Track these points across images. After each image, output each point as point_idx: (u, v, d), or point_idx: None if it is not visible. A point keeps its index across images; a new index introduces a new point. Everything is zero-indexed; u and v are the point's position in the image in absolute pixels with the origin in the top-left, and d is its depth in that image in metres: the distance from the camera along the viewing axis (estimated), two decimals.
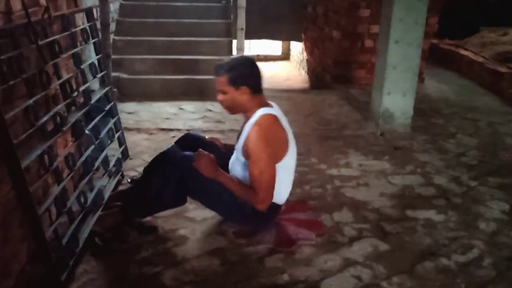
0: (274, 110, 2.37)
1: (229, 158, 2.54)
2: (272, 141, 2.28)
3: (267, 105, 2.37)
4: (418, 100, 4.26)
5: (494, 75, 5.84)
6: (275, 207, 2.43)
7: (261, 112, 2.31)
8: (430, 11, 4.38)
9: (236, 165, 2.43)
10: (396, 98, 4.10)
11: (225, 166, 2.47)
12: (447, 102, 5.32)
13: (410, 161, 3.56)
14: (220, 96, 2.33)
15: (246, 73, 2.30)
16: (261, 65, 2.39)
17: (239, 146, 2.37)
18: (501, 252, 2.41)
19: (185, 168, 2.31)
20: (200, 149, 2.35)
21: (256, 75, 2.34)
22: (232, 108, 2.37)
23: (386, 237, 2.50)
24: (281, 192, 2.41)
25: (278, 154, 2.33)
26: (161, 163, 2.44)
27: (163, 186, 2.32)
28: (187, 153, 2.38)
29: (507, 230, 2.63)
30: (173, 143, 2.67)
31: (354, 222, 2.63)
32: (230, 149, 2.60)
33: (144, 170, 2.65)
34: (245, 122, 2.38)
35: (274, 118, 2.33)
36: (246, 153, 2.30)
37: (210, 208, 2.49)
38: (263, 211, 2.35)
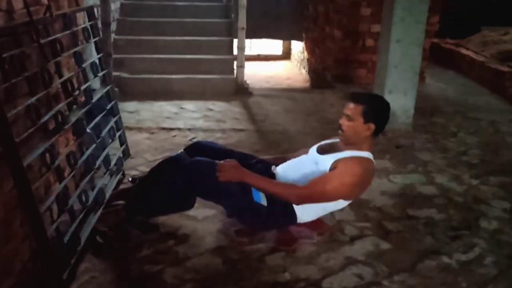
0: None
1: (240, 158, 2.54)
2: (360, 185, 2.31)
3: (371, 152, 2.37)
4: (419, 99, 4.26)
5: (495, 74, 5.84)
6: (293, 221, 2.39)
7: (370, 156, 2.34)
8: (431, 10, 4.37)
9: (306, 167, 2.39)
10: (397, 97, 4.09)
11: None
12: (448, 101, 5.32)
13: (411, 160, 3.56)
14: (345, 122, 2.31)
15: (381, 112, 2.33)
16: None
17: (327, 157, 2.33)
18: (503, 251, 2.41)
19: (196, 171, 2.29)
20: (218, 161, 2.31)
21: (386, 119, 2.36)
22: (349, 136, 2.33)
23: (388, 236, 2.50)
24: (309, 215, 2.40)
25: (350, 195, 2.34)
26: (171, 167, 2.42)
27: (173, 191, 2.31)
28: (198, 158, 2.36)
29: (509, 228, 2.63)
30: (182, 150, 2.66)
31: (356, 221, 2.63)
32: (274, 162, 2.60)
33: (150, 171, 2.62)
34: (345, 145, 2.36)
35: (374, 169, 2.37)
36: (333, 167, 2.28)
37: (225, 207, 2.46)
38: (277, 217, 2.34)
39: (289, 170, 2.46)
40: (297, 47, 8.34)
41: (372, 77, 4.68)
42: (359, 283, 2.11)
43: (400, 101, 4.11)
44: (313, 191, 2.27)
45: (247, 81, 5.50)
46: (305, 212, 2.36)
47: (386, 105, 2.38)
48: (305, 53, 7.58)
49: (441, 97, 5.48)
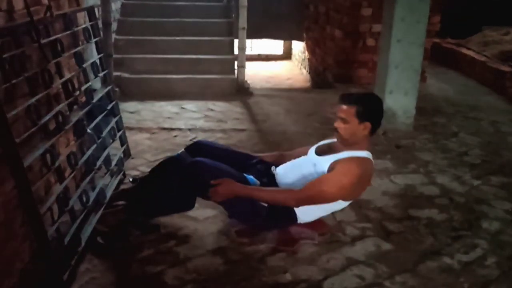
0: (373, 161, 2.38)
1: (240, 159, 2.55)
2: (359, 185, 2.30)
3: (369, 150, 2.37)
4: (420, 99, 4.25)
5: (496, 74, 5.83)
6: (293, 221, 2.40)
7: (368, 155, 2.33)
8: (432, 10, 4.36)
9: (304, 169, 2.38)
10: (398, 97, 4.09)
11: (239, 168, 2.46)
12: (449, 101, 5.30)
13: (412, 160, 3.55)
14: (341, 124, 2.29)
15: (375, 111, 2.32)
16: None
17: (325, 158, 2.33)
18: (504, 251, 2.40)
19: (197, 171, 2.29)
20: (212, 182, 2.28)
21: (381, 115, 2.35)
22: (345, 138, 2.32)
23: (389, 237, 2.49)
24: (310, 215, 2.40)
25: (349, 195, 2.34)
26: (171, 168, 2.43)
27: (173, 190, 2.32)
28: (198, 158, 2.36)
29: (510, 229, 2.62)
30: (183, 150, 2.65)
31: (357, 221, 2.62)
32: (273, 163, 2.59)
33: (151, 171, 2.62)
34: (343, 145, 2.35)
35: (373, 168, 2.36)
36: (330, 168, 2.28)
37: (225, 208, 2.46)
38: (277, 217, 2.34)
39: (289, 171, 2.45)
40: (298, 47, 8.34)
41: (373, 77, 4.67)
42: (360, 284, 2.11)
43: (401, 101, 4.11)
44: (310, 193, 2.27)
45: (248, 81, 5.50)
46: (306, 213, 2.36)
47: (378, 102, 2.36)
48: (306, 53, 7.59)
49: (442, 97, 5.47)
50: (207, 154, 2.47)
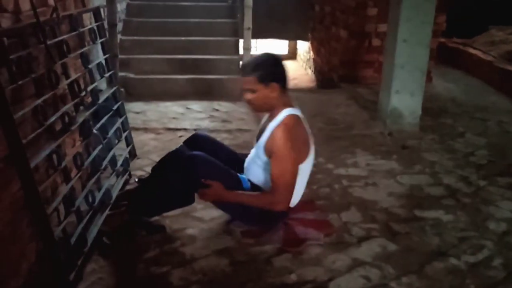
0: (298, 111, 2.37)
1: (235, 158, 2.55)
2: (297, 141, 2.28)
3: (291, 105, 2.37)
4: (426, 100, 4.23)
5: (503, 74, 5.79)
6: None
7: (287, 111, 2.31)
8: (438, 10, 4.35)
9: (253, 164, 2.42)
10: (404, 98, 4.07)
11: (233, 167, 2.47)
12: (455, 101, 5.28)
13: (418, 160, 3.54)
14: (249, 95, 2.30)
15: (274, 70, 2.30)
16: (282, 60, 2.38)
17: (260, 143, 2.35)
18: (511, 253, 2.39)
19: (193, 166, 2.30)
20: (203, 180, 2.31)
21: (283, 70, 2.33)
22: (260, 107, 2.35)
23: (395, 237, 2.48)
24: (294, 195, 2.40)
25: (301, 155, 2.33)
26: (169, 162, 2.44)
27: (170, 185, 2.32)
28: (195, 152, 2.37)
29: None
30: (182, 143, 2.67)
31: (362, 222, 2.62)
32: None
33: (152, 170, 2.65)
34: (269, 120, 2.37)
35: (299, 119, 2.34)
36: (269, 151, 2.29)
37: (218, 206, 2.48)
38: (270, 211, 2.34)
39: (249, 165, 2.47)
40: (303, 47, 8.34)
41: (379, 77, 4.66)
42: (366, 285, 2.10)
43: (407, 101, 4.09)
44: (279, 185, 2.26)
45: None
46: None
47: (274, 60, 2.33)
48: (311, 53, 7.58)
49: (448, 97, 5.44)
50: (205, 147, 2.49)
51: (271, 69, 2.29)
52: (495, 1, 7.58)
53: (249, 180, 2.44)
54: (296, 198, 2.43)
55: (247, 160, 2.50)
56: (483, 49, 6.74)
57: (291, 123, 2.27)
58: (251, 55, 2.48)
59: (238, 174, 2.45)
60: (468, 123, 4.49)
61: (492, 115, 4.77)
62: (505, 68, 5.78)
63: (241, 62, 5.43)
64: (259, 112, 2.42)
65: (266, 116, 2.48)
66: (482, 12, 7.70)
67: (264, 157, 2.34)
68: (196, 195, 2.40)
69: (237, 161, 2.56)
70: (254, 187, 2.42)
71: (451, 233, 2.54)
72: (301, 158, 2.33)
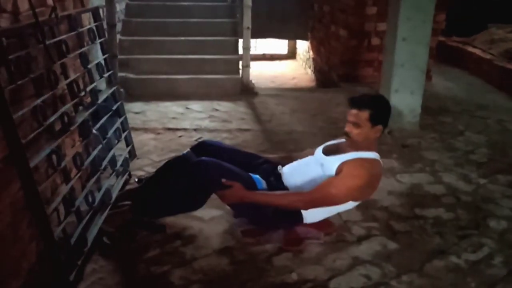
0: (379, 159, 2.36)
1: (245, 159, 2.54)
2: (368, 187, 2.29)
3: (376, 151, 2.36)
4: (426, 98, 4.23)
5: (502, 72, 5.79)
6: (299, 220, 2.38)
7: (376, 156, 2.31)
8: (437, 8, 4.34)
9: (311, 169, 2.37)
10: (404, 96, 4.07)
11: (248, 170, 2.46)
12: (455, 100, 5.28)
13: (418, 159, 3.54)
14: (353, 129, 2.26)
15: (386, 113, 2.31)
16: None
17: (336, 159, 2.30)
18: None
19: (201, 171, 2.29)
20: (223, 181, 2.28)
21: (390, 116, 2.34)
22: (358, 143, 2.29)
23: (395, 236, 2.48)
24: (316, 216, 2.39)
25: (358, 197, 2.33)
26: (177, 167, 2.43)
27: (179, 190, 2.32)
28: (204, 158, 2.35)
29: None
30: (189, 149, 2.64)
31: (363, 221, 2.62)
32: (280, 162, 2.58)
33: (156, 172, 2.63)
34: (348, 145, 2.34)
35: (381, 170, 2.35)
36: (341, 170, 2.25)
37: (231, 207, 2.47)
38: (283, 216, 2.34)
39: (295, 171, 2.44)
40: (303, 46, 8.34)
41: (378, 76, 4.66)
42: (367, 283, 2.10)
43: (407, 100, 4.09)
44: (318, 196, 2.25)
45: (253, 81, 5.49)
46: (312, 213, 2.36)
47: (388, 104, 2.36)
48: (311, 53, 7.58)
49: (448, 95, 5.44)
50: (213, 154, 2.47)
51: (383, 111, 2.29)
52: (494, 0, 7.58)
53: (282, 184, 2.41)
54: (314, 218, 2.40)
55: (303, 162, 2.45)
56: (483, 47, 6.74)
57: (376, 170, 2.29)
58: (365, 93, 2.43)
59: (251, 174, 2.43)
60: (468, 122, 4.49)
61: (492, 113, 4.77)
62: (504, 67, 5.78)
63: (240, 63, 5.43)
64: (353, 143, 2.32)
65: (340, 139, 2.47)
66: (482, 10, 7.70)
67: (331, 171, 2.28)
68: (214, 198, 2.39)
69: (249, 161, 2.55)
70: (272, 188, 2.39)
71: (451, 231, 2.54)
72: (357, 199, 2.34)
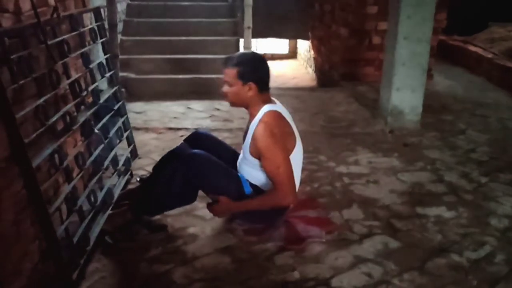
0: (278, 106, 2.37)
1: (236, 156, 2.55)
2: (279, 135, 2.27)
3: (270, 102, 2.37)
4: (427, 97, 4.23)
5: (503, 70, 5.79)
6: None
7: (265, 109, 2.30)
8: (438, 7, 4.35)
9: (243, 164, 2.42)
10: (405, 95, 4.07)
11: (234, 165, 2.48)
12: (456, 98, 5.27)
13: (419, 157, 3.54)
14: (226, 88, 2.32)
15: (255, 69, 2.29)
16: (268, 63, 2.39)
17: (245, 145, 2.36)
18: None
19: (194, 165, 2.30)
20: (210, 197, 2.37)
21: (264, 72, 2.33)
22: (234, 102, 2.36)
23: (397, 234, 2.48)
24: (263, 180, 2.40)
25: (287, 147, 2.32)
26: (169, 161, 2.45)
27: (171, 184, 2.32)
28: (196, 150, 2.37)
29: None
30: (182, 141, 2.67)
31: (364, 219, 2.62)
32: None
33: (153, 169, 2.66)
34: (250, 121, 2.38)
35: (278, 113, 2.32)
36: (255, 152, 2.29)
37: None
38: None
39: (240, 163, 2.47)
40: (304, 46, 8.34)
41: (379, 75, 4.65)
42: (369, 281, 2.10)
43: (408, 98, 4.09)
44: (279, 180, 2.25)
45: None
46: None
47: (258, 60, 2.33)
48: (312, 52, 7.58)
49: (449, 94, 5.44)
50: (205, 145, 2.50)
51: (253, 68, 2.28)
52: None
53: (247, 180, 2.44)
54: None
55: (238, 161, 2.50)
56: (484, 46, 6.73)
57: (270, 120, 2.26)
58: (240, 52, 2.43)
59: (239, 174, 2.44)
60: (469, 120, 4.49)
61: (493, 111, 4.77)
62: (505, 65, 5.78)
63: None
64: (233, 106, 2.41)
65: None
66: (482, 9, 7.69)
67: (251, 159, 2.33)
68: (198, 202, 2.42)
69: (237, 159, 2.57)
70: (251, 185, 2.42)
71: (453, 230, 2.54)
72: (288, 149, 2.32)
